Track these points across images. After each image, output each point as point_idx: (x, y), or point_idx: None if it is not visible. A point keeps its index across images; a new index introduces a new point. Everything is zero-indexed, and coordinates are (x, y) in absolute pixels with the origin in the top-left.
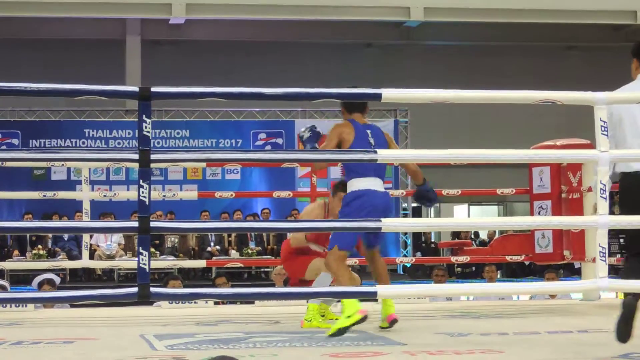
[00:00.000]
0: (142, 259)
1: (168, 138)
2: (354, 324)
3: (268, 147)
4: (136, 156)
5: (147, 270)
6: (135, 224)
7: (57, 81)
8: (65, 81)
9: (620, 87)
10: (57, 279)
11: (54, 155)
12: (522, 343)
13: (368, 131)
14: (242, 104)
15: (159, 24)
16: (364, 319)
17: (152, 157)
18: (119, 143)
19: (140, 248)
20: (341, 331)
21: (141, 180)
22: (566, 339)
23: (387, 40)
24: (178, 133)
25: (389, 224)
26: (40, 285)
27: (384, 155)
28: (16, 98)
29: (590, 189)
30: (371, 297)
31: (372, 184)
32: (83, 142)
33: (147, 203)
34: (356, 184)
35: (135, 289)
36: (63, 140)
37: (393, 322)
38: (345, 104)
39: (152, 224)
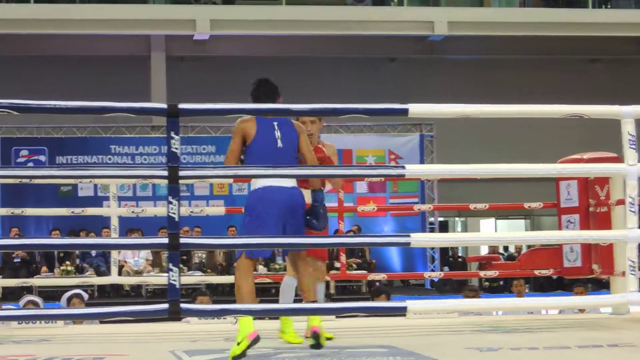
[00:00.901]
0: (172, 275)
1: (194, 154)
2: (246, 349)
3: None
4: (165, 173)
5: (177, 286)
6: (165, 240)
7: (82, 98)
8: (90, 97)
9: None
10: (85, 295)
11: (83, 173)
12: (553, 358)
13: (275, 123)
14: None
15: (183, 40)
16: (255, 341)
17: (181, 173)
18: (145, 159)
19: (170, 264)
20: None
21: (170, 197)
22: (596, 353)
23: (411, 54)
24: (204, 149)
25: (418, 239)
26: (69, 300)
27: (412, 170)
28: (43, 115)
29: (618, 202)
30: (400, 312)
31: (276, 180)
32: (109, 158)
33: (176, 219)
34: (256, 182)
35: (165, 305)
36: (89, 156)
37: (314, 334)
38: (252, 96)
39: (182, 240)
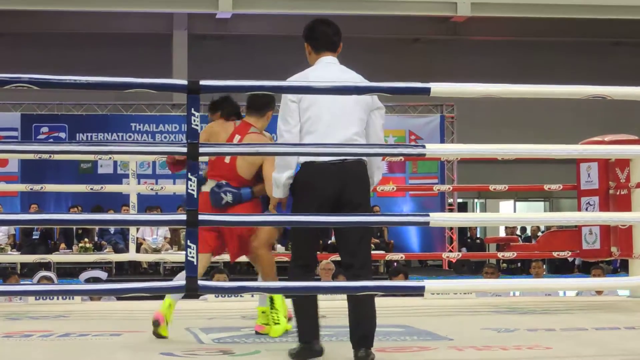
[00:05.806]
0: (190, 252)
1: None
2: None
3: None
4: (184, 149)
5: (195, 263)
6: (183, 217)
7: (104, 75)
8: (112, 74)
9: None
10: (104, 275)
11: (103, 148)
12: (569, 339)
13: None
14: None
15: (205, 19)
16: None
17: (201, 150)
18: (165, 137)
19: (188, 241)
20: None
21: (189, 174)
22: (613, 336)
23: (434, 35)
24: None
25: (437, 218)
26: (87, 282)
27: (433, 149)
28: (64, 92)
29: (638, 185)
30: (418, 291)
31: None
32: (129, 136)
33: (195, 196)
34: None
35: (183, 282)
36: (110, 133)
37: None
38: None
39: (200, 217)
